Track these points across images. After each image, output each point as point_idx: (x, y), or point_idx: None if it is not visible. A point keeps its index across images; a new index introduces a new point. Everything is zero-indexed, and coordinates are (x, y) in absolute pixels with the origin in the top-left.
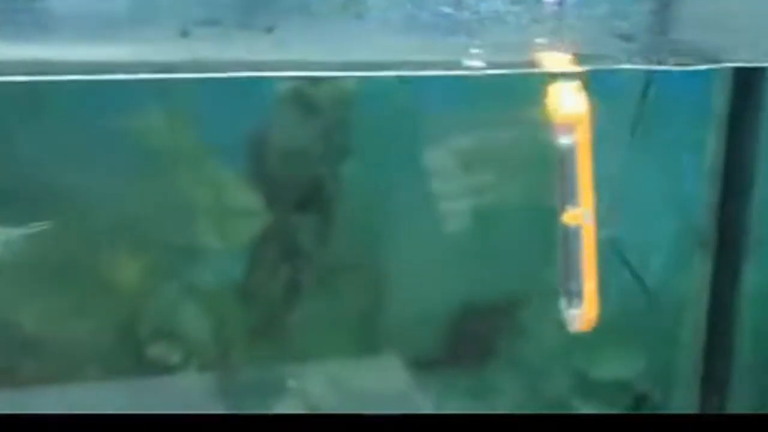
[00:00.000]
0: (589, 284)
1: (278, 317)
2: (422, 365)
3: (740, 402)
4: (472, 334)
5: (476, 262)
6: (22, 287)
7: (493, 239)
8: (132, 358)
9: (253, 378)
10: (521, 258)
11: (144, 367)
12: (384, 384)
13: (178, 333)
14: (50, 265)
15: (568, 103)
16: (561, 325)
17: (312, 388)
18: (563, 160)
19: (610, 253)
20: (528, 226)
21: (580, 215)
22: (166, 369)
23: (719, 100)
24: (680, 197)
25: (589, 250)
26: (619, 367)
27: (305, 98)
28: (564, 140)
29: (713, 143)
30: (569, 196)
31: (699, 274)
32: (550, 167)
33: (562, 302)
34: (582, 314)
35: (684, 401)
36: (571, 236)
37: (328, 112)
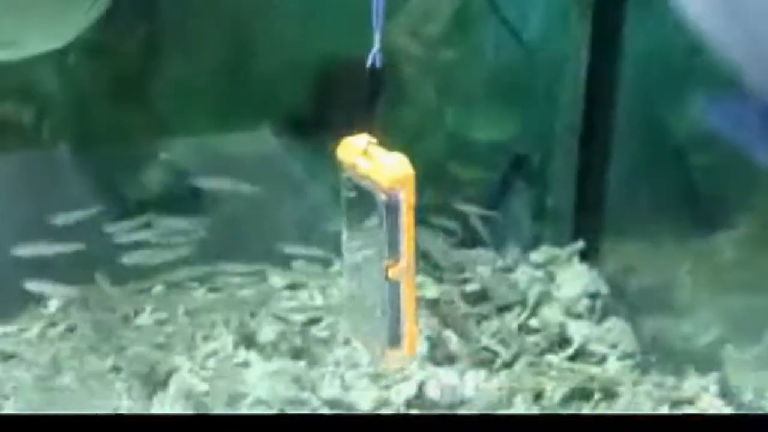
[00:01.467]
0: (411, 327)
1: (138, 78)
2: (291, 129)
3: (620, 164)
4: (343, 95)
5: (346, 11)
6: None
7: None
8: None
9: (116, 148)
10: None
11: None
12: (254, 149)
13: (28, 91)
14: None
15: (394, 168)
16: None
17: (181, 159)
18: (388, 218)
19: (488, 9)
20: None
21: (404, 269)
22: (18, 129)
23: None
24: None
25: (410, 296)
26: (495, 128)
27: None
28: (388, 198)
29: None
30: (393, 251)
31: (578, 33)
32: None
33: (381, 343)
34: (401, 355)
35: (563, 164)
36: (394, 288)
37: None
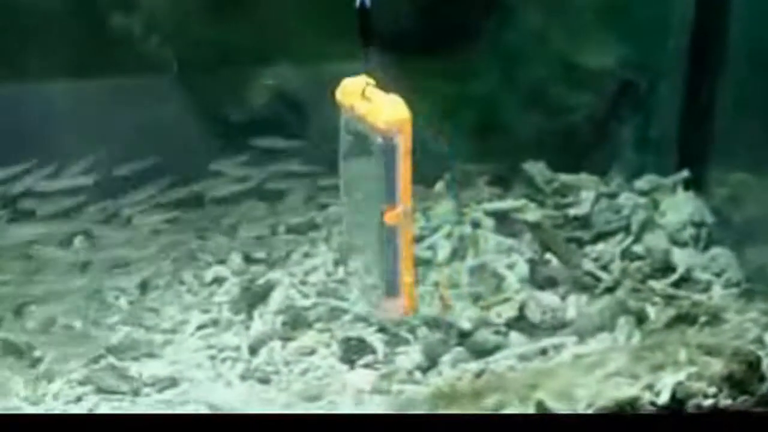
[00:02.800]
0: (408, 278)
1: None
2: (398, 48)
3: (727, 92)
4: (450, 16)
5: None
6: None
7: None
8: (92, 28)
9: (220, 71)
10: None
11: (106, 41)
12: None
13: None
14: None
15: (391, 110)
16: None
17: (286, 81)
18: (384, 162)
19: None
20: None
21: (400, 214)
22: (128, 40)
23: None
24: None
25: (408, 246)
26: (604, 53)
27: None
28: (385, 142)
29: None
30: (389, 196)
31: None
32: None
33: (378, 293)
34: (399, 305)
35: (670, 92)
36: (390, 234)
37: None
